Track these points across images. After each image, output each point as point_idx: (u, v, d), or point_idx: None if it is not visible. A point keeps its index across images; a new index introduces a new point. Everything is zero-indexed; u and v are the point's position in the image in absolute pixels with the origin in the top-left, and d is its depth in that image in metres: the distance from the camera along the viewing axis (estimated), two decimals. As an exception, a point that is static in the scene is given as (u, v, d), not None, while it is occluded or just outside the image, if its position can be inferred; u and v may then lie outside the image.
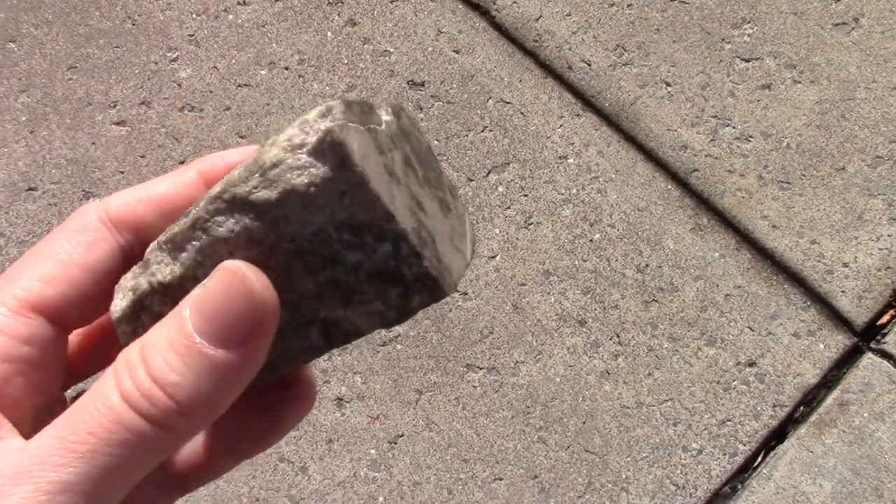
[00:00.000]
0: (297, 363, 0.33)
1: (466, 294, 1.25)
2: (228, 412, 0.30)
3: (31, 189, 1.28)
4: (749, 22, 1.44)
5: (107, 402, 0.27)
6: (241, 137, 1.33)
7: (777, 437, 1.20)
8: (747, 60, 1.42)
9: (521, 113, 1.38)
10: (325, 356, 1.20)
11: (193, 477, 0.35)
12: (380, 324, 0.33)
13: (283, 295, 0.31)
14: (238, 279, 0.28)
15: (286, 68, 1.39)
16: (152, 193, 0.33)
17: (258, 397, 0.34)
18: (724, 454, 1.18)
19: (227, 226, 0.30)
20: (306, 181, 0.30)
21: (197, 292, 0.29)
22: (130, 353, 0.28)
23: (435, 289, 0.32)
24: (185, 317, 0.28)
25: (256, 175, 0.30)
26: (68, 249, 0.32)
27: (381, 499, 1.14)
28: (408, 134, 0.35)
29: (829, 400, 1.22)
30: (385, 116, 0.34)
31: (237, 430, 0.35)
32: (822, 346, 1.24)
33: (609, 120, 1.38)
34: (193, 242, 0.31)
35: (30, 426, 0.31)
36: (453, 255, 0.34)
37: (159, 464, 0.29)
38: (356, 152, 0.29)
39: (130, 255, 0.33)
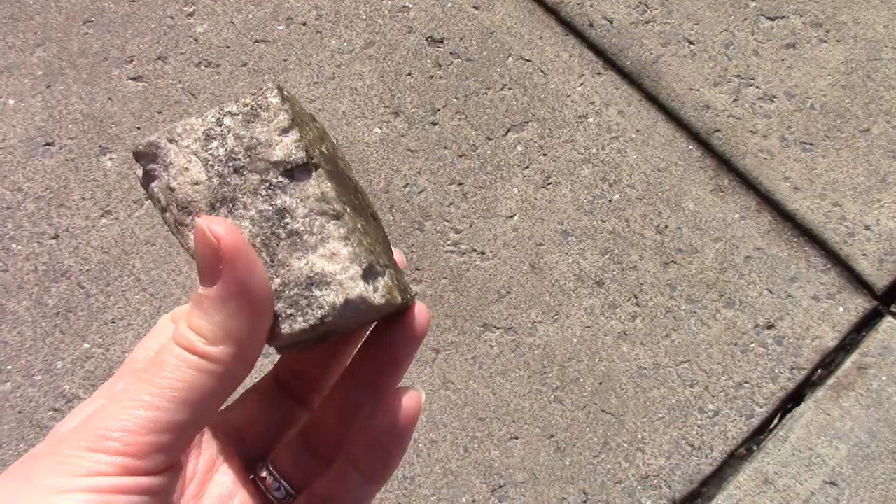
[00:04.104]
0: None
1: (484, 254, 1.25)
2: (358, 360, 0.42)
3: (48, 144, 1.28)
4: (775, -21, 1.41)
5: (170, 349, 0.35)
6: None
7: (794, 399, 1.20)
8: (772, 19, 1.40)
9: (541, 71, 1.36)
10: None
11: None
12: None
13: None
14: (199, 230, 0.35)
15: (303, 24, 1.37)
16: None
17: (376, 338, 0.43)
18: (741, 416, 1.18)
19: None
20: None
21: None
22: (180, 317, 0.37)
23: None
24: (196, 277, 0.36)
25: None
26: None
27: (397, 456, 1.15)
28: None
29: (848, 363, 1.21)
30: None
31: (367, 371, 0.43)
32: (841, 309, 1.23)
33: (630, 79, 1.36)
34: None
35: None
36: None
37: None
38: None
39: None
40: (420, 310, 0.42)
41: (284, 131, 0.39)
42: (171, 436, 0.33)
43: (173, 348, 0.35)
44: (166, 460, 0.33)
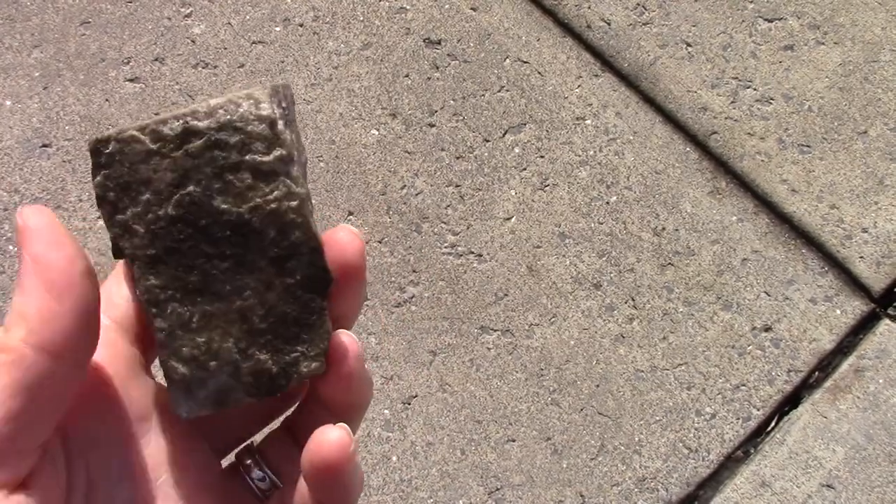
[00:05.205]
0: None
1: (481, 256, 1.25)
2: None
3: (45, 146, 1.28)
4: (773, -19, 1.41)
5: None
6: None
7: (791, 402, 1.20)
8: (770, 20, 1.40)
9: (539, 73, 1.36)
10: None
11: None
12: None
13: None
14: (15, 218, 0.32)
15: (301, 25, 1.37)
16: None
17: None
18: (738, 418, 1.18)
19: None
20: None
21: None
22: None
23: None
24: None
25: None
26: None
27: (394, 458, 1.15)
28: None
29: (845, 366, 1.21)
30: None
31: None
32: (838, 311, 1.23)
33: (628, 80, 1.36)
34: None
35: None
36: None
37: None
38: None
39: None
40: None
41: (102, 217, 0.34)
42: None
43: None
44: None
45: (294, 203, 0.32)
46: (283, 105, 0.33)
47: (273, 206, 0.32)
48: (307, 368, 0.34)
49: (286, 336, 0.33)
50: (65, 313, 0.31)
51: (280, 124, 0.32)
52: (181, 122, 0.32)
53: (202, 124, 0.32)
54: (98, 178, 0.33)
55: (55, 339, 0.31)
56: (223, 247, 0.33)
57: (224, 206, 0.32)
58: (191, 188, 0.32)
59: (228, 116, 0.32)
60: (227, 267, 0.33)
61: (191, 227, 0.32)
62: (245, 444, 0.41)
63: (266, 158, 0.32)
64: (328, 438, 0.33)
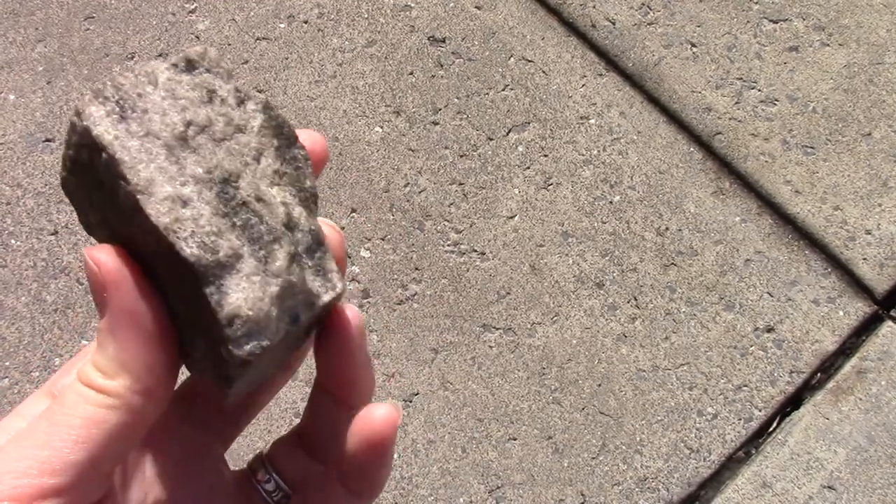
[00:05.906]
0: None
1: (484, 254, 1.24)
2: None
3: (48, 140, 1.27)
4: (778, -18, 1.41)
5: (73, 385, 0.33)
6: (260, 92, 1.31)
7: (793, 403, 1.20)
8: (775, 21, 1.39)
9: (543, 72, 1.36)
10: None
11: (242, 414, 0.41)
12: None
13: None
14: (84, 259, 0.32)
15: (305, 22, 1.37)
16: None
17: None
18: (740, 419, 1.18)
19: None
20: None
21: None
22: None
23: None
24: None
25: None
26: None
27: (394, 456, 1.14)
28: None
29: (847, 367, 1.21)
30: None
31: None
32: (841, 313, 1.23)
33: (632, 80, 1.36)
34: None
35: None
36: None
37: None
38: None
39: None
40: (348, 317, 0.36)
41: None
42: (67, 478, 0.31)
43: (75, 384, 0.33)
44: (67, 503, 0.31)
45: (167, 220, 0.30)
46: (115, 98, 0.30)
47: (148, 224, 0.30)
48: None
49: (217, 339, 0.34)
50: (165, 362, 0.33)
51: (100, 127, 0.30)
52: (67, 148, 0.32)
53: (72, 151, 0.31)
54: (76, 212, 0.34)
55: (158, 386, 0.33)
56: (159, 268, 0.32)
57: (131, 230, 0.31)
58: (108, 214, 0.32)
59: (77, 135, 0.31)
60: (170, 285, 0.33)
61: (133, 251, 0.32)
62: (256, 453, 0.42)
63: (111, 171, 0.30)
64: (377, 413, 0.35)
